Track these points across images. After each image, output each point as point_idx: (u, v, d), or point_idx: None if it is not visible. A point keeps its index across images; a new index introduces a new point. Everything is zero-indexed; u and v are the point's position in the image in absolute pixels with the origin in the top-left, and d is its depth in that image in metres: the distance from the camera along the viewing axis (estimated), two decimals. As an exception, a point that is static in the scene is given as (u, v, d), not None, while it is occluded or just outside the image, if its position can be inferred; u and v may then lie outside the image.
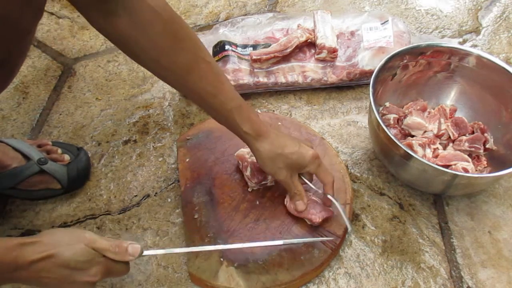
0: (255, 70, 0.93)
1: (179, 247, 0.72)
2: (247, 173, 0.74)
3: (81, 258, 0.53)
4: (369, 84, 0.74)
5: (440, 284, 0.68)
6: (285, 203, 0.72)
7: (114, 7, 0.54)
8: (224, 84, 0.64)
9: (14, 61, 0.57)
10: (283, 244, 0.65)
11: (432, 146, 0.76)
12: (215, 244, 0.69)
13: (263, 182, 0.74)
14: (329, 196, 0.68)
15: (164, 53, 0.59)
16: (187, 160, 0.80)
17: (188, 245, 0.70)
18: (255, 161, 0.74)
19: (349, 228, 0.68)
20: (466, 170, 0.73)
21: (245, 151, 0.76)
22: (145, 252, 0.57)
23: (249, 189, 0.75)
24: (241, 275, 0.66)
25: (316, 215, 0.69)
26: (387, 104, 0.83)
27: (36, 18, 0.54)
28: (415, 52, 0.80)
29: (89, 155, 0.84)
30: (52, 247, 0.52)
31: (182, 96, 0.94)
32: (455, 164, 0.74)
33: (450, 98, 0.85)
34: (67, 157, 0.79)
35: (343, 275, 0.70)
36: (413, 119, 0.78)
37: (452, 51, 0.80)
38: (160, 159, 0.85)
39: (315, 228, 0.70)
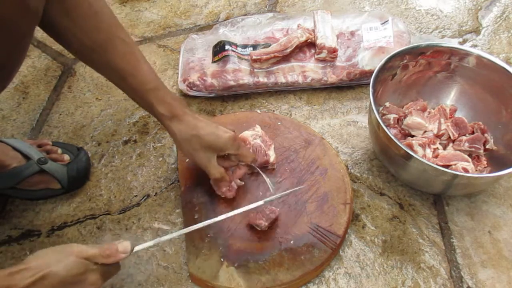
0: (255, 70, 0.93)
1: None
2: None
3: (75, 271, 0.52)
4: (369, 84, 0.74)
5: (440, 284, 0.69)
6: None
7: None
8: (143, 65, 0.66)
9: (12, 64, 0.57)
10: (264, 204, 0.66)
11: (432, 146, 0.76)
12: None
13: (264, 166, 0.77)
14: (252, 164, 0.73)
15: (87, 32, 0.62)
16: (187, 160, 0.80)
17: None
18: (257, 143, 0.75)
19: (271, 189, 0.72)
20: (466, 170, 0.73)
21: (249, 133, 0.77)
22: (136, 248, 0.58)
23: (248, 172, 0.76)
24: (241, 275, 0.66)
25: (261, 220, 0.69)
26: (387, 104, 0.83)
27: (33, 22, 0.54)
28: (415, 52, 0.80)
29: (89, 155, 0.84)
30: (43, 267, 0.50)
31: (182, 96, 0.94)
32: (455, 164, 0.74)
33: (450, 98, 0.85)
34: (67, 157, 0.79)
35: (343, 275, 0.70)
36: (413, 119, 0.78)
37: (452, 51, 0.80)
38: (160, 159, 0.85)
39: (314, 228, 0.70)
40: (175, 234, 0.62)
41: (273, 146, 0.78)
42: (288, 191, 0.71)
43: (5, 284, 0.48)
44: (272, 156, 0.76)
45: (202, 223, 0.62)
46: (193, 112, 0.69)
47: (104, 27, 0.64)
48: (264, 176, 0.73)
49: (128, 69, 0.65)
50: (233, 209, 0.72)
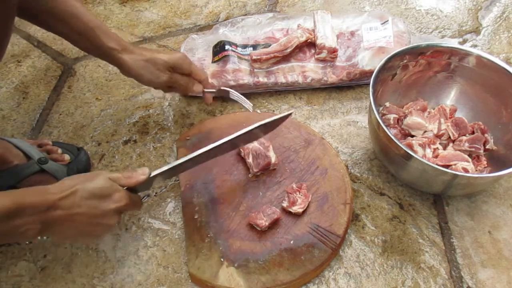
0: (255, 70, 0.93)
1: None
2: (249, 159, 0.76)
3: (104, 185, 0.58)
4: (369, 84, 0.74)
5: (440, 284, 0.69)
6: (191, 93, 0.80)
7: None
8: (84, 9, 0.69)
9: None
10: (255, 128, 0.69)
11: (432, 146, 0.76)
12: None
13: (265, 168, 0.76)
14: (222, 88, 0.80)
15: None
16: (187, 160, 0.80)
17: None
18: (256, 147, 0.74)
19: (250, 109, 0.77)
20: (466, 170, 0.73)
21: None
22: (153, 173, 0.64)
23: (250, 175, 0.76)
24: (241, 275, 0.66)
25: (262, 220, 0.69)
26: (387, 104, 0.83)
27: (9, 12, 0.57)
28: (415, 52, 0.80)
29: (89, 155, 0.84)
30: (75, 184, 0.57)
31: (182, 97, 0.94)
32: (455, 164, 0.74)
33: (450, 98, 0.85)
34: (67, 157, 0.79)
35: (343, 275, 0.70)
36: (413, 119, 0.78)
37: (452, 51, 0.80)
38: (160, 159, 0.85)
39: (314, 228, 0.70)
40: (185, 158, 0.66)
41: (271, 147, 0.78)
42: (279, 115, 0.72)
43: (44, 196, 0.54)
44: (273, 157, 0.76)
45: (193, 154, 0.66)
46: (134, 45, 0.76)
47: None
48: (238, 96, 0.76)
49: (70, 11, 0.68)
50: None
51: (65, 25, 0.69)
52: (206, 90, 0.82)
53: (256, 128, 0.70)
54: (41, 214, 0.53)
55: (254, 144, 0.77)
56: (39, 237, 0.60)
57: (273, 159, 0.76)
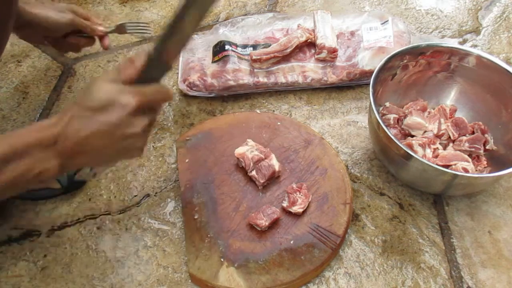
0: (255, 70, 0.93)
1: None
2: (253, 173, 0.75)
3: (100, 93, 0.49)
4: (369, 84, 0.74)
5: (440, 284, 0.69)
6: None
7: None
8: None
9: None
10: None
11: (432, 146, 0.76)
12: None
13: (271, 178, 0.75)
14: (119, 24, 0.82)
15: None
16: (187, 160, 0.80)
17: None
18: (256, 156, 0.74)
19: (148, 35, 0.78)
20: (466, 170, 0.73)
21: (244, 148, 0.76)
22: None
23: (260, 187, 0.75)
24: (241, 275, 0.66)
25: (262, 220, 0.69)
26: (387, 104, 0.83)
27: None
28: (415, 52, 0.80)
29: (89, 155, 0.83)
30: (72, 106, 0.50)
31: (179, 94, 0.94)
32: (455, 164, 0.74)
33: (450, 98, 0.85)
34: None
35: (343, 275, 0.70)
36: (413, 119, 0.78)
37: (452, 51, 0.80)
38: (160, 159, 0.85)
39: (314, 228, 0.70)
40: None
41: (273, 155, 0.77)
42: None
43: (43, 133, 0.49)
44: (276, 165, 0.75)
45: None
46: None
47: None
48: (134, 26, 0.82)
49: None
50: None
51: None
52: (104, 29, 0.82)
53: None
54: (51, 149, 0.49)
55: (254, 153, 0.75)
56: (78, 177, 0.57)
57: (276, 167, 0.75)
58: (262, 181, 0.74)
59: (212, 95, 0.93)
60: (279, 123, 0.85)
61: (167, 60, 0.52)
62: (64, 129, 0.49)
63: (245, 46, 0.96)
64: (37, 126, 0.50)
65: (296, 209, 0.71)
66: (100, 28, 0.81)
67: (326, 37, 0.93)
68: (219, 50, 0.94)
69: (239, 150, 0.76)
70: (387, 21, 0.97)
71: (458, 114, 0.83)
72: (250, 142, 0.78)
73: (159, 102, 0.54)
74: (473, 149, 0.76)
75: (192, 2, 0.47)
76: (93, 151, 0.50)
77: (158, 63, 0.51)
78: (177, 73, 0.97)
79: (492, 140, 0.78)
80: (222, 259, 0.67)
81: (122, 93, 0.49)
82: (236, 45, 0.96)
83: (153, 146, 0.87)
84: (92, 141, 0.49)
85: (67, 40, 0.80)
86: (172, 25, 0.49)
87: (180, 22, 0.48)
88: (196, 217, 0.72)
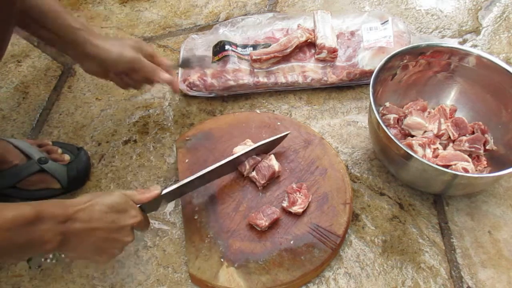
0: (255, 70, 0.93)
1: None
2: (253, 174, 0.75)
3: (120, 200, 0.59)
4: (369, 84, 0.74)
5: (440, 284, 0.69)
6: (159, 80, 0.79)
7: None
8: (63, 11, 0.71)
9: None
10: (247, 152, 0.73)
11: (432, 146, 0.76)
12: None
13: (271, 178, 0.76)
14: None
15: None
16: (187, 161, 0.80)
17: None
18: (256, 158, 0.74)
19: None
20: (466, 170, 0.73)
21: (241, 148, 0.76)
22: (164, 190, 0.65)
23: (260, 188, 0.75)
24: (241, 275, 0.66)
25: (262, 220, 0.69)
26: (387, 104, 0.83)
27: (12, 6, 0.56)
28: (415, 52, 0.80)
29: (89, 155, 0.84)
30: (93, 197, 0.58)
31: (179, 94, 0.94)
32: (455, 164, 0.74)
33: (450, 98, 0.85)
34: (67, 157, 0.79)
35: (343, 275, 0.70)
36: (413, 119, 0.78)
37: (452, 51, 0.80)
38: (160, 159, 0.85)
39: (314, 228, 0.70)
40: (194, 176, 0.68)
41: (273, 155, 0.77)
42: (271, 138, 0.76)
43: (60, 209, 0.54)
44: (276, 165, 0.75)
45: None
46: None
47: None
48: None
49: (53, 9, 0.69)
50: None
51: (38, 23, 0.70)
52: (167, 63, 0.81)
53: (257, 147, 0.75)
54: (61, 225, 0.53)
55: (254, 159, 0.76)
56: (49, 260, 0.62)
57: (276, 167, 0.75)
58: (262, 182, 0.74)
59: (212, 95, 0.93)
60: (279, 123, 0.85)
61: (161, 205, 0.67)
62: (78, 213, 0.55)
63: (245, 46, 0.96)
64: (57, 201, 0.56)
65: (296, 209, 0.71)
66: (164, 76, 0.79)
67: (326, 37, 0.93)
68: (219, 50, 0.94)
69: (237, 150, 0.76)
70: (387, 21, 0.97)
71: (458, 114, 0.83)
72: (249, 142, 0.78)
73: (143, 228, 0.65)
74: (473, 149, 0.76)
75: (197, 182, 0.70)
76: (88, 242, 0.57)
77: (156, 205, 0.66)
78: (177, 73, 0.97)
79: (492, 140, 0.78)
80: (222, 259, 0.67)
81: (133, 208, 0.61)
82: (236, 45, 0.96)
83: (153, 146, 0.87)
84: (95, 233, 0.56)
85: (129, 76, 0.78)
86: (180, 188, 0.67)
87: (186, 189, 0.70)
88: (196, 217, 0.72)
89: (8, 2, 0.56)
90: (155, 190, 0.64)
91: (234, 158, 0.73)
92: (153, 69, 0.78)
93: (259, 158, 0.76)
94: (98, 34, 0.74)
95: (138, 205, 0.62)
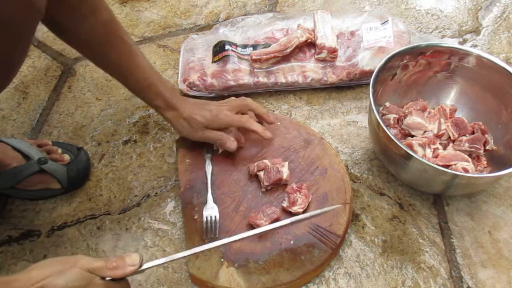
0: (255, 70, 0.93)
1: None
2: (260, 173, 0.75)
3: (77, 283, 0.48)
4: (369, 84, 0.74)
5: (440, 284, 0.69)
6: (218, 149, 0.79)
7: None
8: (140, 63, 0.73)
9: (14, 60, 0.57)
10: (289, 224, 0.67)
11: (432, 146, 0.76)
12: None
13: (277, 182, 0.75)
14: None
15: (85, 30, 0.68)
16: (187, 161, 0.80)
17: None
18: (262, 162, 0.75)
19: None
20: (466, 170, 0.73)
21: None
22: (145, 265, 0.54)
23: (263, 189, 0.75)
24: (241, 275, 0.66)
25: (262, 220, 0.69)
26: (387, 104, 0.83)
27: (37, 19, 0.54)
28: (415, 52, 0.80)
29: (89, 155, 0.84)
30: (44, 277, 0.47)
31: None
32: (455, 164, 0.74)
33: (450, 98, 0.85)
34: (67, 157, 0.79)
35: (343, 275, 0.70)
36: (413, 119, 0.78)
37: (452, 51, 0.80)
38: (160, 159, 0.85)
39: (314, 228, 0.70)
40: (186, 253, 0.58)
41: (286, 164, 0.76)
42: (319, 211, 0.70)
43: None
44: (285, 173, 0.74)
45: (215, 243, 0.60)
46: (186, 98, 0.80)
47: (101, 26, 0.69)
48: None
49: (125, 66, 0.72)
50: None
51: (120, 77, 0.74)
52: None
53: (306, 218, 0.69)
54: None
55: (265, 161, 0.76)
56: None
57: (284, 175, 0.74)
58: (266, 184, 0.74)
59: (212, 95, 0.93)
60: (279, 123, 0.85)
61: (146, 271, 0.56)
62: None
63: (245, 46, 0.96)
64: (2, 281, 0.47)
65: (296, 209, 0.71)
66: (232, 145, 0.76)
67: (326, 37, 0.93)
68: (219, 50, 0.94)
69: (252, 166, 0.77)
70: (387, 21, 0.97)
71: (458, 114, 0.83)
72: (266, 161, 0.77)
73: None
74: (473, 149, 0.76)
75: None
76: None
77: (137, 272, 0.54)
78: (177, 73, 0.97)
79: (492, 140, 0.78)
80: (222, 259, 0.67)
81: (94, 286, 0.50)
82: (236, 45, 0.96)
83: (153, 146, 0.87)
84: None
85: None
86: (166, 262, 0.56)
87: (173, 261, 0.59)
88: (196, 217, 0.72)
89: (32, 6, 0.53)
90: (130, 266, 0.52)
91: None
92: (219, 141, 0.77)
93: (269, 164, 0.75)
94: (174, 106, 0.75)
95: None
